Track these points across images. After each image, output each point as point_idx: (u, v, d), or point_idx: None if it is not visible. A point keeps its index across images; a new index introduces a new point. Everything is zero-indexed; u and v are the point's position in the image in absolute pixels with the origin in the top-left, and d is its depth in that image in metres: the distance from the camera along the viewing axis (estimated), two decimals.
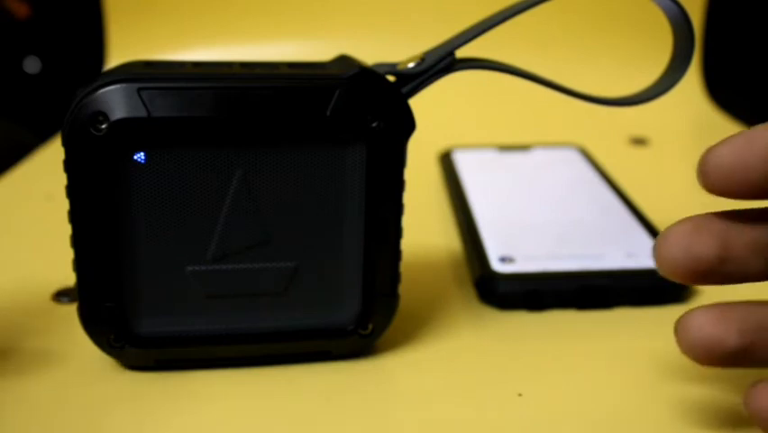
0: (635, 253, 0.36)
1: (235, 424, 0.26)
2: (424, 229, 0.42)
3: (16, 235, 0.42)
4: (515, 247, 0.36)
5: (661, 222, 0.40)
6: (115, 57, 0.69)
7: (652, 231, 0.38)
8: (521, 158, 0.49)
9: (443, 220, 0.43)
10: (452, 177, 0.46)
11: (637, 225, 0.39)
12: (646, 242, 0.37)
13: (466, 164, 0.47)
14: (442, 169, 0.49)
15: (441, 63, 0.29)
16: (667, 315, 0.33)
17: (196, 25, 0.70)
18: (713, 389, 0.28)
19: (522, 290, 0.34)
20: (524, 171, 0.47)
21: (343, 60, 0.29)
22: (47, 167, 0.53)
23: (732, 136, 0.24)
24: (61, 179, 0.26)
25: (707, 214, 0.25)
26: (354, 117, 0.26)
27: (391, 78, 0.28)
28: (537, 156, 0.49)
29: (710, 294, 0.35)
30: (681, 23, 0.30)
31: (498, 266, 0.35)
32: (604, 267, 0.35)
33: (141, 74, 0.26)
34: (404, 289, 0.30)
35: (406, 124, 0.27)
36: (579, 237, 0.37)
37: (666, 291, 0.34)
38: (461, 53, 0.29)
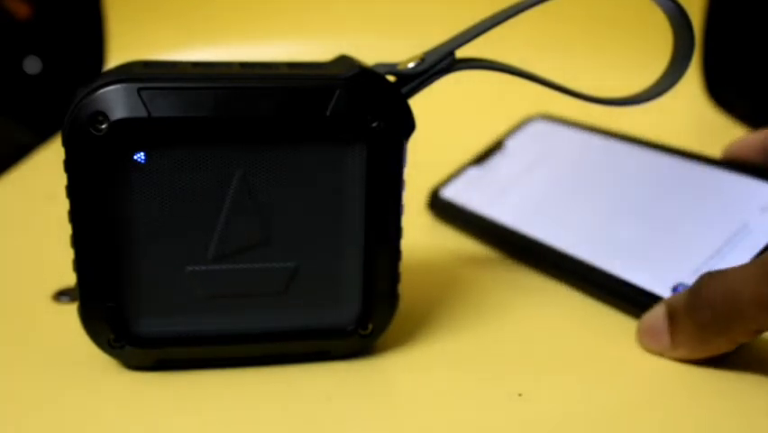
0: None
1: (235, 424, 0.26)
2: (424, 231, 0.42)
3: (16, 235, 0.42)
4: (666, 267, 0.33)
5: None
6: (115, 57, 0.69)
7: (738, 167, 0.35)
8: (507, 159, 0.45)
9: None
10: (471, 218, 0.42)
11: (718, 170, 0.36)
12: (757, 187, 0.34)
13: (470, 196, 0.43)
14: (439, 216, 0.44)
15: (441, 63, 0.29)
16: None
17: (196, 25, 0.70)
18: (714, 391, 0.28)
19: None
20: (534, 175, 0.43)
21: (343, 60, 0.29)
22: (47, 167, 0.53)
23: None
24: (61, 179, 0.26)
25: None
26: (354, 117, 0.26)
27: (391, 78, 0.28)
28: (516, 148, 0.45)
29: None
30: (681, 23, 0.30)
31: (667, 293, 0.32)
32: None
33: (141, 74, 0.26)
34: (404, 289, 0.30)
35: (406, 124, 0.27)
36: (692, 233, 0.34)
37: None
38: (461, 53, 0.29)
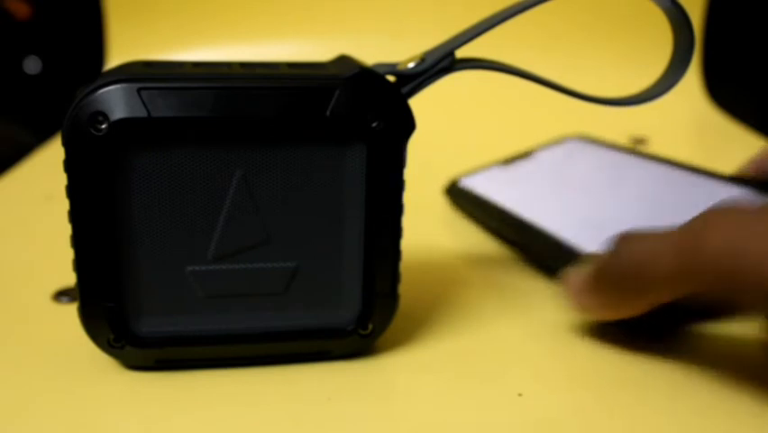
0: None
1: (235, 424, 0.26)
2: (425, 233, 0.41)
3: (16, 235, 0.42)
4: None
5: None
6: (115, 57, 0.69)
7: (741, 182, 0.35)
8: (534, 164, 0.46)
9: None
10: (479, 203, 0.43)
11: (721, 184, 0.36)
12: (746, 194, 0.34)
13: (485, 186, 0.44)
14: (454, 200, 0.46)
15: (441, 63, 0.29)
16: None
17: (196, 25, 0.70)
18: (712, 387, 0.28)
19: None
20: (553, 175, 0.44)
21: (343, 60, 0.29)
22: (47, 167, 0.53)
23: None
24: (61, 179, 0.26)
25: None
26: (354, 117, 0.26)
27: (391, 78, 0.28)
28: (546, 157, 0.47)
29: None
30: (681, 23, 0.30)
31: None
32: None
33: (141, 74, 0.26)
34: (404, 289, 0.30)
35: (406, 125, 0.27)
36: (678, 216, 0.35)
37: None
38: (461, 53, 0.29)
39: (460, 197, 0.45)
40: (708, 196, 0.35)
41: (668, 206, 0.36)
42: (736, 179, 0.37)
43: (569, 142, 0.48)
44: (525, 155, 0.48)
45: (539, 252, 0.37)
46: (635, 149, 0.43)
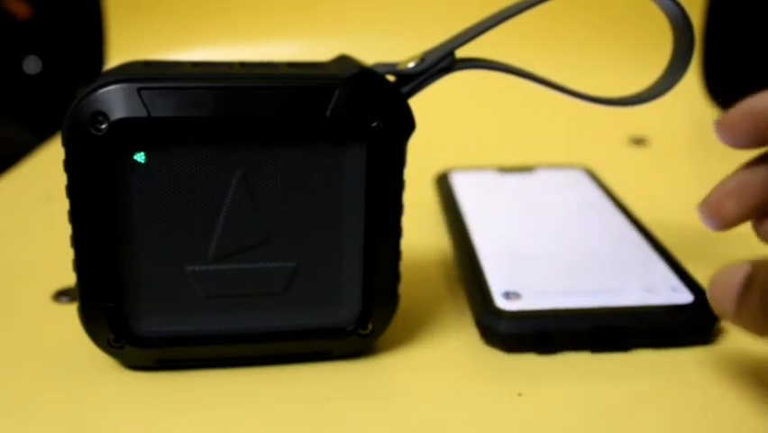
0: (654, 287, 0.32)
1: (235, 424, 0.26)
2: (425, 232, 0.41)
3: (16, 235, 0.42)
4: (520, 281, 0.33)
5: (662, 226, 0.40)
6: (115, 57, 0.69)
7: (671, 262, 0.35)
8: (524, 180, 0.45)
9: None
10: (450, 201, 0.42)
11: (656, 256, 0.35)
12: (666, 275, 0.34)
13: (465, 187, 0.44)
14: (439, 192, 0.45)
15: (441, 63, 0.29)
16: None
17: (196, 25, 0.70)
18: (716, 386, 0.28)
19: (529, 330, 0.30)
20: (528, 195, 0.43)
21: (343, 60, 0.29)
22: (47, 167, 0.53)
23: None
24: (61, 179, 0.26)
25: None
26: (354, 117, 0.26)
27: (391, 78, 0.28)
28: (541, 178, 0.46)
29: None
30: (681, 23, 0.30)
31: (502, 303, 0.31)
32: (620, 304, 0.31)
33: (140, 74, 0.26)
34: (404, 289, 0.30)
35: (406, 124, 0.27)
36: (592, 270, 0.34)
37: (689, 332, 0.31)
38: (461, 53, 0.29)
39: (442, 189, 0.45)
40: (640, 264, 0.35)
41: (597, 262, 0.35)
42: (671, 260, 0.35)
43: (573, 172, 0.46)
44: (525, 169, 0.47)
45: (461, 270, 0.36)
46: (630, 211, 0.41)
